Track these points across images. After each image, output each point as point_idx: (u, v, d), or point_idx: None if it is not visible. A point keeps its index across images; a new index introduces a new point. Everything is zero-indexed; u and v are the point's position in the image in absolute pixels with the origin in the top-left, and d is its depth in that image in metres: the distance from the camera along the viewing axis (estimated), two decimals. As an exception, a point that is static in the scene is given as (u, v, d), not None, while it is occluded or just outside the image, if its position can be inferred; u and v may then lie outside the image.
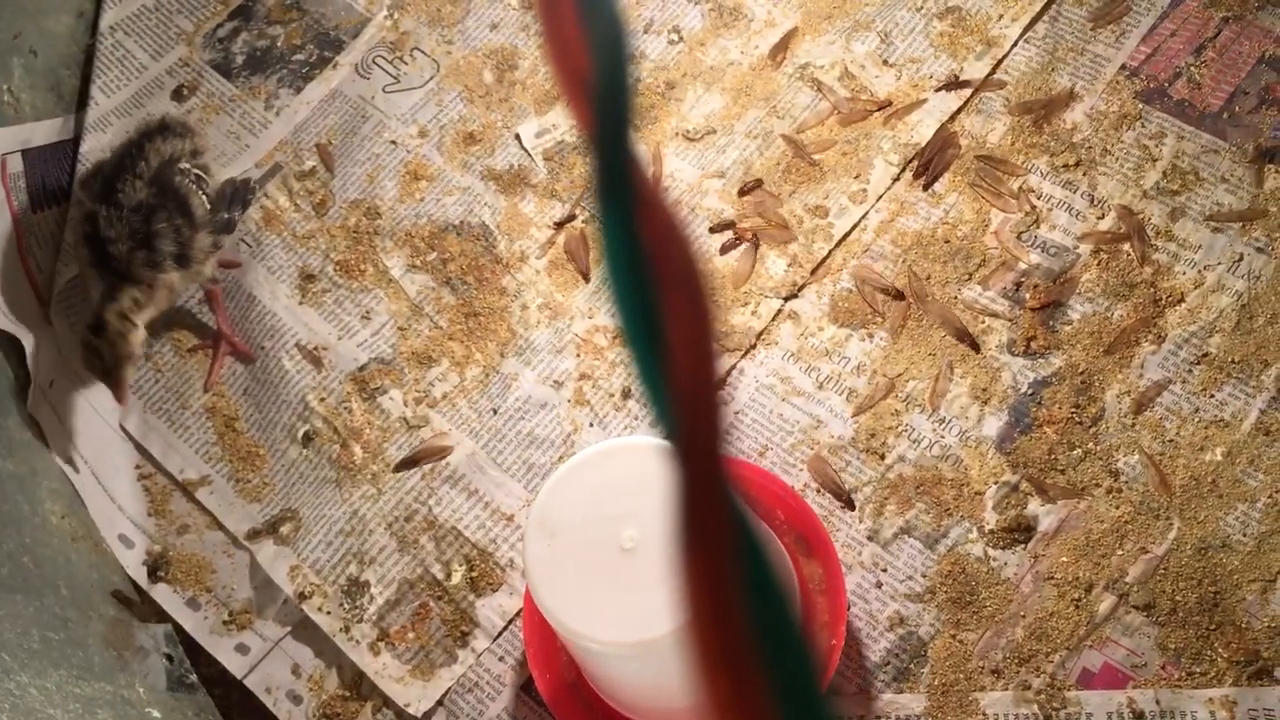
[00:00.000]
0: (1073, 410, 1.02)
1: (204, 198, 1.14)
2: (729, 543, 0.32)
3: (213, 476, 1.15)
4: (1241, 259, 1.05)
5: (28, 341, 1.16)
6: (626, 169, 0.33)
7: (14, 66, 1.25)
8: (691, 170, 1.19)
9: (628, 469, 0.86)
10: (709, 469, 0.32)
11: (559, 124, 1.24)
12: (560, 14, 0.35)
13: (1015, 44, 1.17)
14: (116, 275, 1.08)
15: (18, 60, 1.26)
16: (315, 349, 1.18)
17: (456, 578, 1.06)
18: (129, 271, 1.08)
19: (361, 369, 1.17)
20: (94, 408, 1.17)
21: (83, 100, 1.32)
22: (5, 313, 1.16)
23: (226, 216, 1.16)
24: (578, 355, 1.14)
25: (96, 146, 1.27)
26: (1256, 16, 1.13)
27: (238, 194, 1.18)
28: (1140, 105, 1.12)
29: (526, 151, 1.24)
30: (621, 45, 0.34)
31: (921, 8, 1.21)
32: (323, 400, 1.16)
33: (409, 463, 1.11)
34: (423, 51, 1.31)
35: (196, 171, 1.15)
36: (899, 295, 1.10)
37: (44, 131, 1.27)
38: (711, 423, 0.32)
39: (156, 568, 1.11)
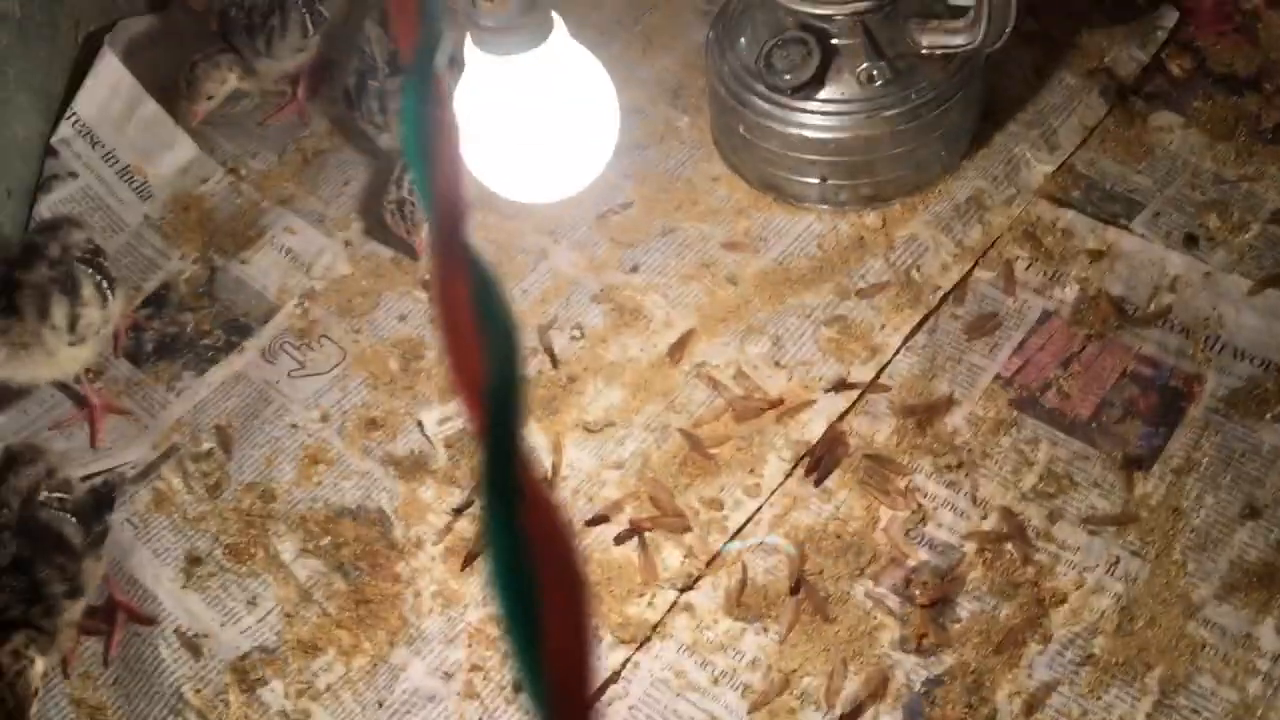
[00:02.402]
0: (965, 710, 1.02)
1: (73, 521, 1.09)
2: None
3: (70, 774, 1.07)
4: (1118, 561, 1.09)
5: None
6: (513, 468, 0.35)
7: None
8: (591, 460, 1.22)
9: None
10: None
11: (462, 412, 1.27)
12: (458, 322, 0.37)
13: (897, 352, 1.25)
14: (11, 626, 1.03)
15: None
16: (195, 636, 1.14)
17: None
18: (28, 624, 1.03)
19: (243, 658, 1.12)
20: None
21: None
22: None
23: (99, 529, 1.11)
24: (469, 645, 1.11)
25: None
26: (1117, 334, 1.22)
27: (102, 501, 1.13)
28: (1015, 412, 1.19)
29: (428, 438, 1.25)
30: (514, 353, 0.37)
31: (810, 315, 1.29)
32: (198, 691, 1.11)
33: None
34: (330, 339, 1.34)
35: (58, 496, 1.10)
36: (792, 590, 1.11)
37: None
38: None
39: None
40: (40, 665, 1.03)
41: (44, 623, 1.04)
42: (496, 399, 0.36)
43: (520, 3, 1.05)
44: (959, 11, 1.25)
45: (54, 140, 1.47)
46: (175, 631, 1.14)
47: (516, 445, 0.35)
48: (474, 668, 1.10)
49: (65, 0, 1.47)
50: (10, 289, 1.19)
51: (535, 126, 1.12)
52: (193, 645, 1.13)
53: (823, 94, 1.29)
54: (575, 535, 1.14)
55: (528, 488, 0.34)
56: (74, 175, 1.47)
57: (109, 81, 1.49)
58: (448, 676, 1.10)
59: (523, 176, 1.18)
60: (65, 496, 1.11)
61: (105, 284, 1.25)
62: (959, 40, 1.25)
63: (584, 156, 1.19)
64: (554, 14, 1.10)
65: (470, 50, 1.08)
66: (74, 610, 1.07)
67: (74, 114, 1.48)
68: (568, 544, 0.34)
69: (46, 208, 1.44)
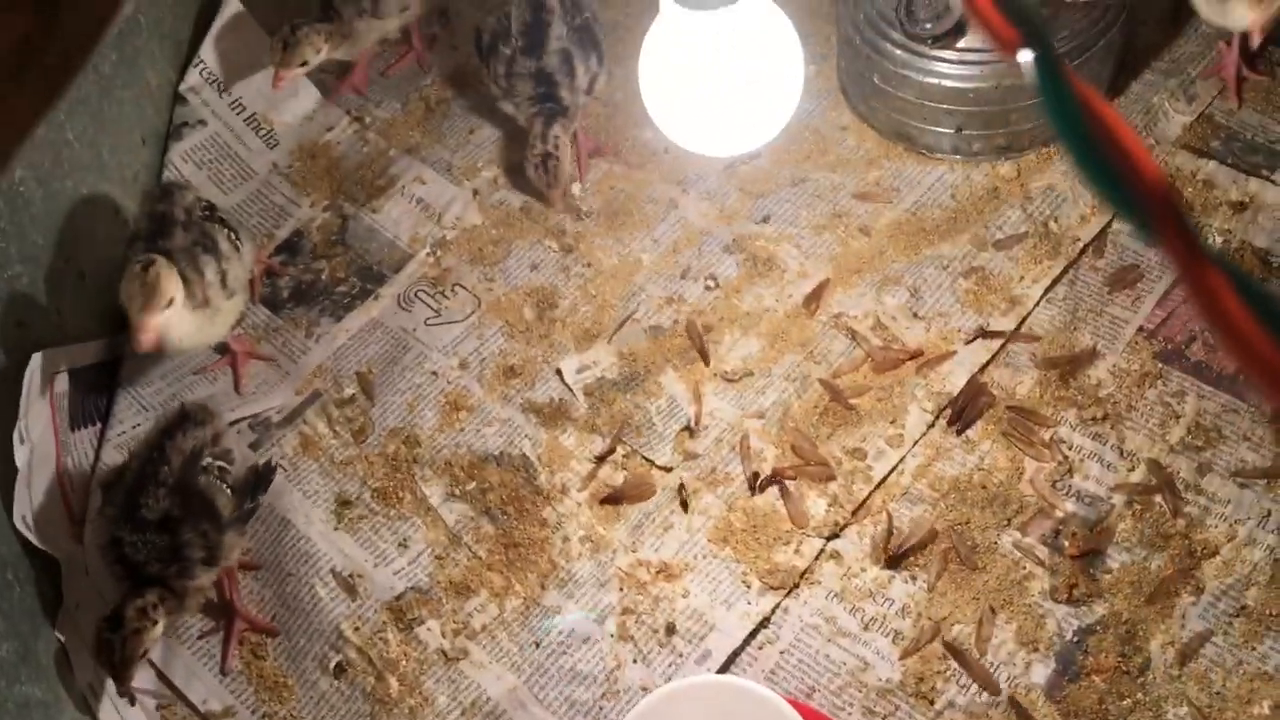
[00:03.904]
0: (1119, 659, 1.03)
1: (228, 492, 1.12)
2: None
3: (237, 708, 1.11)
4: (1270, 514, 1.09)
5: (62, 561, 1.14)
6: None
7: (66, 289, 1.27)
8: (732, 410, 1.23)
9: (697, 710, 0.85)
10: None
11: (599, 360, 1.28)
12: (1236, 323, 0.44)
13: (1038, 303, 1.24)
14: (148, 581, 1.06)
15: (68, 283, 1.28)
16: (350, 576, 1.17)
17: (496, 822, 1.02)
18: (163, 582, 1.06)
19: (398, 598, 1.15)
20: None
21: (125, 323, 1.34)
22: (40, 531, 1.14)
23: (250, 505, 1.14)
24: (620, 589, 1.13)
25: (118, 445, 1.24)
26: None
27: (261, 481, 1.16)
28: (1160, 365, 1.19)
29: (567, 386, 1.27)
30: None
31: (947, 267, 1.29)
32: (357, 629, 1.14)
33: None
34: (464, 287, 1.36)
35: (220, 465, 1.13)
36: (939, 539, 1.12)
37: (87, 353, 1.28)
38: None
39: (174, 805, 1.05)
40: (159, 629, 1.05)
41: (176, 584, 1.06)
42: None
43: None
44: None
45: (182, 88, 1.49)
46: (331, 571, 1.17)
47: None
48: (626, 611, 1.12)
49: (192, -53, 1.48)
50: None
51: (728, 81, 1.12)
52: (348, 585, 1.16)
53: (962, 43, 1.28)
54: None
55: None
56: (203, 123, 1.49)
57: (233, 29, 1.50)
58: (601, 619, 1.12)
59: (714, 129, 1.19)
60: (226, 466, 1.13)
61: (232, 234, 1.26)
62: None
63: (772, 110, 1.19)
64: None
65: (666, 3, 1.08)
66: (206, 577, 1.09)
67: (201, 61, 1.50)
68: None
69: (178, 155, 1.46)
